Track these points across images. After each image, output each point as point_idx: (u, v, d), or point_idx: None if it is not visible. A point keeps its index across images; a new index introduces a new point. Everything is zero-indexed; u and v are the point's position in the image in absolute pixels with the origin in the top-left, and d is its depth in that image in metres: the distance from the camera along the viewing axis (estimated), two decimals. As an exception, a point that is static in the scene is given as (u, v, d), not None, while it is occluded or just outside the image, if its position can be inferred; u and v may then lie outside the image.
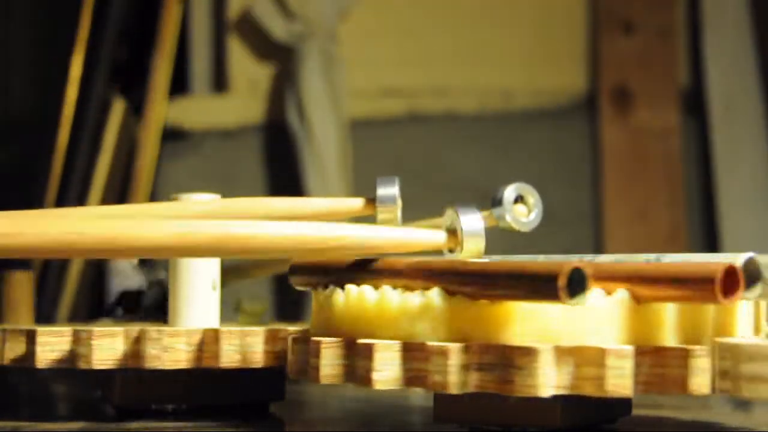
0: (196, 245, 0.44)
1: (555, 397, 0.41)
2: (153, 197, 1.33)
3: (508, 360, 0.41)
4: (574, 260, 0.41)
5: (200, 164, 1.48)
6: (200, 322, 0.54)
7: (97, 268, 1.28)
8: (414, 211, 0.58)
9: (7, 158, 1.11)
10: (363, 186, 1.37)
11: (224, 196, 0.54)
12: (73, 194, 1.18)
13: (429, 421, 0.51)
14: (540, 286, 0.40)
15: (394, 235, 0.46)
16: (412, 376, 0.43)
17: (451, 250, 0.47)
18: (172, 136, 1.45)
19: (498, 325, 0.42)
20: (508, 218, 0.52)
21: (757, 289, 0.43)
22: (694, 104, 1.57)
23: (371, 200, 0.49)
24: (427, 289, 0.44)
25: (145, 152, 1.36)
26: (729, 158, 1.54)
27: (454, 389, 0.42)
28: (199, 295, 0.54)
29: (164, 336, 0.50)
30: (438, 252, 0.48)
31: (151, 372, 0.51)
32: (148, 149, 1.36)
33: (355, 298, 0.46)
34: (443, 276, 0.44)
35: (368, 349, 0.43)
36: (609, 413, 0.48)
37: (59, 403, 0.65)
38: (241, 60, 1.51)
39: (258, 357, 0.51)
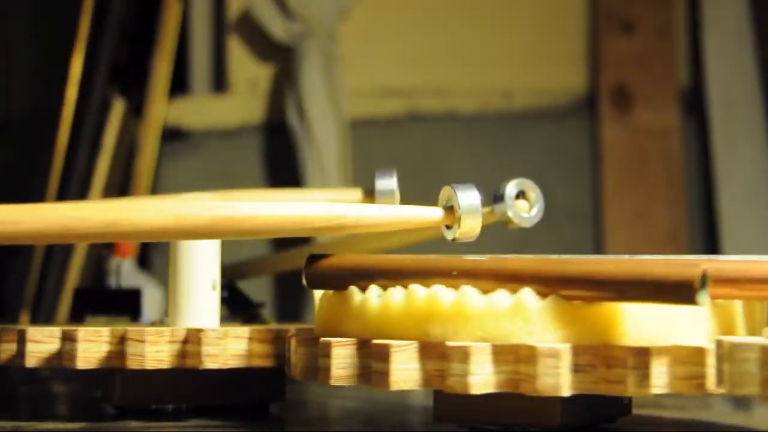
0: (198, 227, 0.43)
1: (553, 397, 0.41)
2: (153, 197, 1.33)
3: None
4: (691, 260, 0.42)
5: (200, 164, 1.48)
6: (200, 322, 0.54)
7: (96, 268, 1.28)
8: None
9: (7, 158, 1.11)
10: (363, 185, 1.37)
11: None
12: (73, 194, 1.18)
13: (429, 421, 0.51)
14: (671, 289, 0.40)
15: (391, 212, 0.46)
16: (508, 379, 0.42)
17: (448, 227, 0.47)
18: (172, 136, 1.45)
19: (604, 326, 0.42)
20: (509, 213, 0.52)
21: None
22: (694, 104, 1.57)
23: (370, 192, 0.48)
24: (515, 290, 0.43)
25: (145, 152, 1.36)
26: (729, 158, 1.53)
27: (564, 391, 0.41)
28: (199, 295, 0.54)
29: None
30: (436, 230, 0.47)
31: (151, 372, 0.50)
32: (148, 149, 1.37)
33: (427, 299, 0.43)
34: (551, 278, 0.42)
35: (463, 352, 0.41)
36: (609, 413, 0.48)
37: (59, 403, 0.65)
38: (241, 60, 1.51)
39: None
